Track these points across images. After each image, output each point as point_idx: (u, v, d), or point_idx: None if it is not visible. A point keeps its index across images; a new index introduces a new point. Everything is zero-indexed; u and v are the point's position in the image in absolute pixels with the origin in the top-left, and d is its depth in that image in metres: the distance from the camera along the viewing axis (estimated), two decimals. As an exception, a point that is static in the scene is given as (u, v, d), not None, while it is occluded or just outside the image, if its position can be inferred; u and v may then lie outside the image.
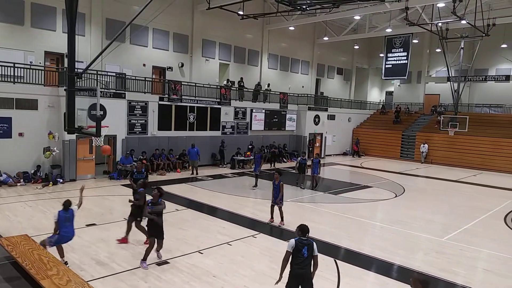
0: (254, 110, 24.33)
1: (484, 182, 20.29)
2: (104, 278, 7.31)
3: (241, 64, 27.91)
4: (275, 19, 26.46)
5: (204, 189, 15.88)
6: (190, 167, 19.54)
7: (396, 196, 16.21)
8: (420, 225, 11.85)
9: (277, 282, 5.82)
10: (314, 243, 5.80)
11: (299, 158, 17.59)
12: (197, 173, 18.98)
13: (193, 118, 20.83)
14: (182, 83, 20.92)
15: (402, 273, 8.20)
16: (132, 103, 18.32)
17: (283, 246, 9.48)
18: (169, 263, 8.12)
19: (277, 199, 11.12)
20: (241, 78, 25.73)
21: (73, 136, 15.44)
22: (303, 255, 5.67)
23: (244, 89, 24.97)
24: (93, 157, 17.04)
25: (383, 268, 8.50)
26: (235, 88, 24.69)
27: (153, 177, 17.73)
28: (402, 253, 9.37)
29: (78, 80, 9.29)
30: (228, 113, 22.81)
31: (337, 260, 8.58)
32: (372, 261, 8.83)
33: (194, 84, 21.64)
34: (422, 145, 28.38)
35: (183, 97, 20.45)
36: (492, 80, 31.87)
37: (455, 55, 28.74)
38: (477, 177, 22.37)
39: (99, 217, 11.19)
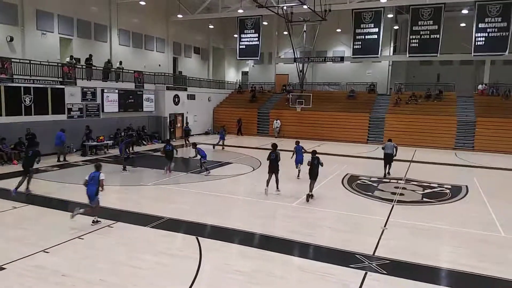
0: (105, 90, 22.42)
1: (327, 151, 22.98)
2: None
3: (87, 40, 25.25)
4: (124, -9, 24.56)
5: (50, 181, 14.04)
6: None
7: (253, 170, 17.11)
8: (275, 194, 12.70)
9: None
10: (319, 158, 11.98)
11: (165, 145, 15.92)
12: (64, 160, 17.79)
13: (30, 101, 18.04)
14: (13, 60, 17.86)
15: (261, 241, 8.72)
16: None
17: (141, 232, 9.03)
18: (5, 268, 6.90)
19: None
20: (90, 55, 23.30)
21: None
22: (315, 164, 11.88)
23: (92, 67, 22.70)
24: None
25: (245, 238, 8.86)
26: (80, 66, 22.22)
27: (-19, 172, 14.89)
28: (260, 222, 9.93)
29: None
30: (74, 94, 20.48)
31: (199, 238, 8.60)
32: (234, 234, 9.12)
33: (28, 62, 18.67)
34: (275, 121, 30.60)
35: (14, 76, 17.49)
36: (330, 61, 36.12)
37: (299, 37, 31.43)
38: (321, 147, 25.21)
39: None
